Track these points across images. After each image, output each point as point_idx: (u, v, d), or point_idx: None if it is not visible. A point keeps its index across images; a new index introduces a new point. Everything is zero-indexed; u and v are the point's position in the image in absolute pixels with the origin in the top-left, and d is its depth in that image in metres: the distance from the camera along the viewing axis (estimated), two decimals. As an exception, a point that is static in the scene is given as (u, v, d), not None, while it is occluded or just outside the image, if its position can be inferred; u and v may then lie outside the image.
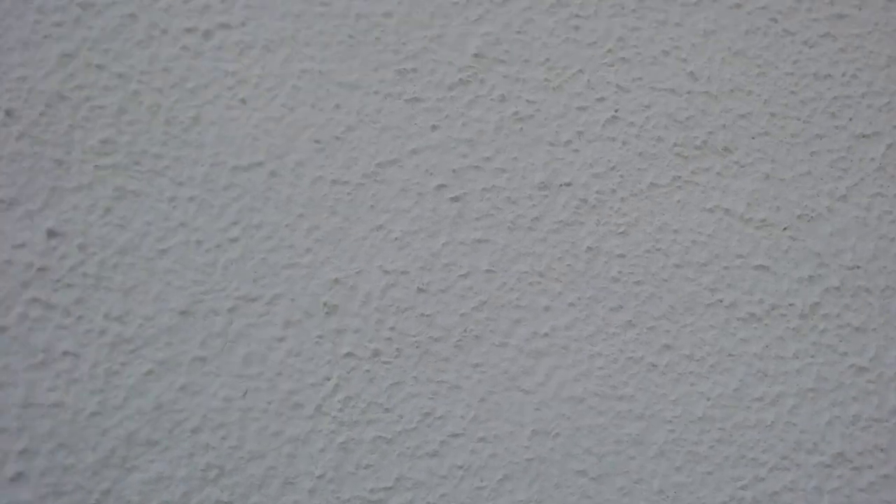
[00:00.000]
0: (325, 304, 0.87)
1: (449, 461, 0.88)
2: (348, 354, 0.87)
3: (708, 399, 0.92)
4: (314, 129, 0.89)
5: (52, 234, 0.84)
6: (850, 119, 0.98)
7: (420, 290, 0.89)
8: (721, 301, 0.93)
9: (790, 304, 0.95)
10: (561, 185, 0.92)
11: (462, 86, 0.91)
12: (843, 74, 0.99)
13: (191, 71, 0.87)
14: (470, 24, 0.92)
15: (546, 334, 0.90)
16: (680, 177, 0.94)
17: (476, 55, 0.92)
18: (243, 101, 0.88)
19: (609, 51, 0.94)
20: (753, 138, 0.96)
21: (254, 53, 0.88)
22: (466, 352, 0.89)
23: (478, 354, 0.89)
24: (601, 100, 0.94)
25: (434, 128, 0.90)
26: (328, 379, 0.87)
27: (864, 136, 0.98)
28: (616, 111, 0.94)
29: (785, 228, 0.95)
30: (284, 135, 0.88)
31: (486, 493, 0.88)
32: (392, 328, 0.88)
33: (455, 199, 0.90)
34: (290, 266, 0.87)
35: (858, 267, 0.96)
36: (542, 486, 0.89)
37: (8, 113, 0.84)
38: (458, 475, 0.88)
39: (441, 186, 0.90)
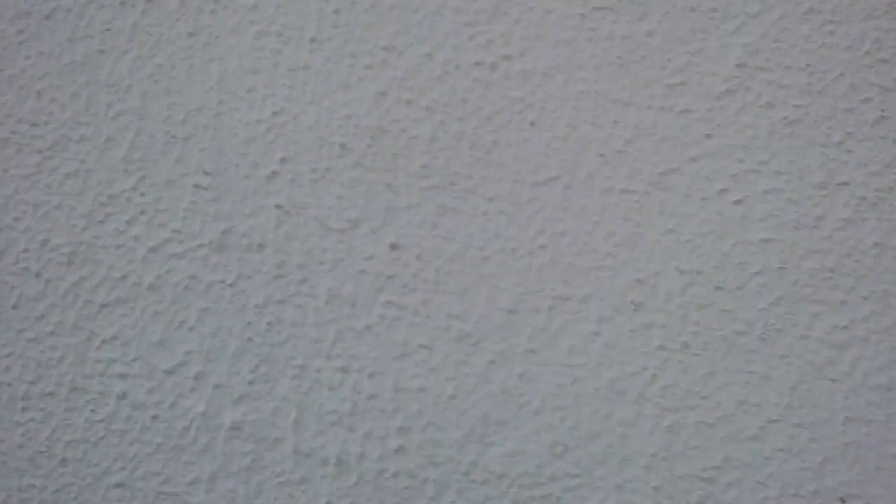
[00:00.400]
0: (631, 302, 0.91)
1: (770, 444, 0.89)
2: (660, 347, 0.90)
3: None
4: (598, 143, 0.94)
5: (394, 246, 0.95)
6: None
7: (717, 288, 0.91)
8: None
9: None
10: (839, 185, 0.94)
11: (729, 95, 0.95)
12: None
13: (484, 100, 0.95)
14: (729, 36, 0.96)
15: (846, 327, 0.91)
16: (958, 169, 0.95)
17: (738, 65, 0.96)
18: (532, 123, 0.94)
19: (867, 53, 0.97)
20: None
21: (535, 80, 0.95)
22: (771, 344, 0.90)
23: (782, 346, 0.90)
24: (866, 101, 0.96)
25: (708, 136, 0.94)
26: (645, 369, 0.90)
27: None
28: (883, 111, 0.96)
29: None
30: (572, 151, 0.94)
31: (809, 475, 0.88)
32: (696, 323, 0.91)
33: (738, 202, 0.93)
34: (595, 269, 0.92)
35: None
36: (864, 468, 0.88)
37: (342, 146, 0.96)
38: (780, 458, 0.88)
39: (723, 191, 0.93)
